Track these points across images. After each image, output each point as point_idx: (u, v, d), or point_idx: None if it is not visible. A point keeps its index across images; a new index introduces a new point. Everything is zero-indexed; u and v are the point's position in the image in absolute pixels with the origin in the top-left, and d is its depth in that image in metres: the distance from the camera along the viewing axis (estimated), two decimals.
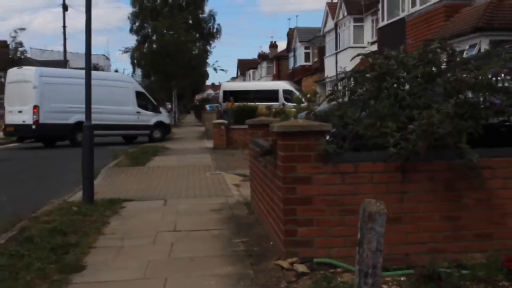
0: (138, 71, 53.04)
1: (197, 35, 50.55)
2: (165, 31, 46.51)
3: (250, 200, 9.84)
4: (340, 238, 5.87)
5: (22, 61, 42.54)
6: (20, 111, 26.81)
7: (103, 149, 25.78)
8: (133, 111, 29.50)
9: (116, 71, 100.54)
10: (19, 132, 27.48)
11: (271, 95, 41.41)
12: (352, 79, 7.11)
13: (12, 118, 27.33)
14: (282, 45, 78.02)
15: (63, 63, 46.82)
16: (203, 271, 6.08)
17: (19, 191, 13.42)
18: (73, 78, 25.30)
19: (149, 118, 30.29)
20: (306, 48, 55.85)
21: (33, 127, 26.62)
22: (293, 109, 28.62)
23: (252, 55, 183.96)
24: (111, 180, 14.69)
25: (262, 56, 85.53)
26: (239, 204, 10.01)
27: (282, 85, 43.45)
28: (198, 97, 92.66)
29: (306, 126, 5.92)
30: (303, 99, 33.80)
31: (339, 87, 7.59)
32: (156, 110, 31.12)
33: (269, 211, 7.04)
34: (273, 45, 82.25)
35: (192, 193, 11.65)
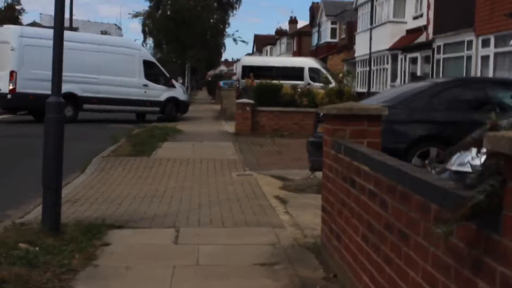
0: (150, 41, 48.94)
1: (215, 3, 46.21)
2: None
3: (322, 240, 5.80)
4: None
5: (20, 22, 38.36)
6: None
7: (103, 127, 21.88)
8: (138, 83, 24.98)
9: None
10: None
11: (296, 73, 37.18)
12: None
13: None
14: (301, 23, 73.75)
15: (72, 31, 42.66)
16: None
17: None
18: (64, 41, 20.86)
19: (159, 92, 25.71)
20: (332, 23, 51.49)
21: (8, 96, 22.36)
22: (321, 90, 24.53)
23: (269, 31, 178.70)
24: (101, 177, 10.66)
25: (280, 32, 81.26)
26: (301, 248, 5.96)
27: (308, 63, 39.15)
28: (210, 72, 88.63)
29: None
30: (332, 79, 29.73)
31: None
32: (168, 84, 26.41)
33: None
34: (293, 21, 77.88)
35: (218, 215, 7.57)
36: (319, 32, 55.26)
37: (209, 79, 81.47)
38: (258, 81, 27.96)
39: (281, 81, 27.63)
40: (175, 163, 12.38)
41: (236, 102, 21.06)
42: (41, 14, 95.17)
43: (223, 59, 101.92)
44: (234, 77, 69.50)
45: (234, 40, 48.63)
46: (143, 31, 47.46)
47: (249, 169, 11.80)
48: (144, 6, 45.40)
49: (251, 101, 20.11)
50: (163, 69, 27.10)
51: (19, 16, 41.94)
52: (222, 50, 59.62)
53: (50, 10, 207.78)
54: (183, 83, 56.84)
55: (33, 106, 22.43)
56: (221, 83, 58.59)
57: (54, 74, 6.30)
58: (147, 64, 25.80)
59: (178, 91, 26.99)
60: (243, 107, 19.65)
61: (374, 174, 4.01)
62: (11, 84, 22.21)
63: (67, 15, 38.33)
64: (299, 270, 5.22)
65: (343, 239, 4.86)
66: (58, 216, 6.20)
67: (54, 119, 6.24)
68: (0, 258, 5.23)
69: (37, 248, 5.57)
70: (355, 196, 4.51)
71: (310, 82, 35.91)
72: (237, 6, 50.64)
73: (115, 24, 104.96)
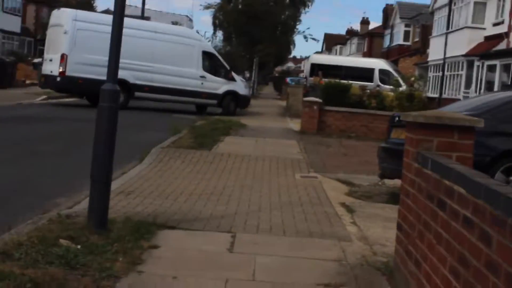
0: (219, 34, 48.67)
1: (287, 0, 45.53)
2: None
3: (395, 262, 5.09)
4: None
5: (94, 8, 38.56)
6: (51, 60, 22.73)
7: (166, 117, 21.62)
8: (195, 74, 24.17)
9: (197, 32, 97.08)
10: (47, 84, 23.27)
11: (365, 73, 36.17)
12: None
13: (45, 67, 23.39)
14: (373, 24, 72.30)
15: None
16: None
17: (11, 176, 9.08)
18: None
19: (218, 85, 24.83)
20: (406, 25, 49.95)
21: (58, 79, 22.18)
22: (390, 93, 23.63)
23: (339, 31, 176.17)
24: (159, 169, 10.18)
25: (351, 32, 79.87)
26: (370, 268, 5.26)
27: (379, 64, 38.04)
28: (278, 68, 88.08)
29: None
30: (403, 83, 28.78)
31: None
32: (228, 77, 25.34)
33: None
34: (365, 21, 76.31)
35: (279, 221, 6.92)
36: (391, 34, 53.83)
37: (276, 75, 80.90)
38: (326, 80, 27.19)
39: (350, 81, 26.85)
40: (237, 159, 11.82)
41: (303, 100, 20.39)
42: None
43: (291, 56, 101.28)
44: (302, 75, 68.79)
45: (305, 37, 48.04)
46: (214, 24, 47.28)
47: (314, 170, 11.13)
48: None
49: (319, 100, 19.39)
50: (223, 62, 26.31)
51: (93, 3, 42.18)
52: (291, 47, 58.99)
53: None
54: (249, 78, 56.50)
55: (82, 90, 22.70)
56: (288, 79, 58.09)
57: (111, 60, 5.77)
58: (207, 55, 25.14)
59: (238, 85, 25.99)
60: (310, 106, 18.95)
61: (473, 199, 3.30)
62: (61, 67, 22.07)
63: (139, 3, 38.12)
64: None
65: (423, 267, 4.15)
66: (105, 212, 5.67)
67: (108, 108, 5.71)
68: (38, 255, 4.74)
69: (79, 246, 5.06)
70: (444, 221, 3.80)
71: (380, 84, 34.88)
72: (309, 4, 49.81)
73: (187, 16, 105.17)
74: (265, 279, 4.79)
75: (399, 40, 51.18)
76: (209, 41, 73.05)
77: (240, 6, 42.71)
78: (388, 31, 55.77)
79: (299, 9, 49.18)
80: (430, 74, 37.73)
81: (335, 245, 5.99)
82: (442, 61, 34.58)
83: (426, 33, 42.40)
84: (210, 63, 25.27)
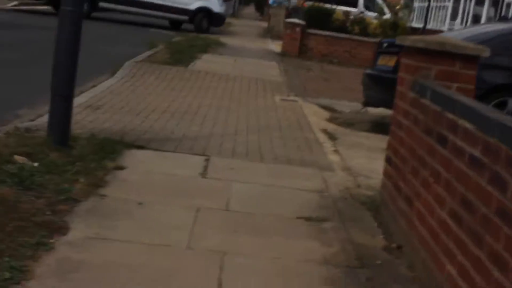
0: None
1: None
2: None
3: (382, 197, 4.71)
4: None
5: None
6: None
7: (140, 31, 20.78)
8: None
9: None
10: None
11: None
12: None
13: None
14: None
15: None
16: None
17: None
18: None
19: (190, 1, 23.53)
20: None
21: None
22: (374, 20, 22.97)
23: None
24: (131, 84, 9.62)
25: None
26: (354, 202, 4.85)
27: None
28: None
29: None
30: (387, 11, 28.13)
31: None
32: None
33: None
34: None
35: (256, 146, 6.47)
36: None
37: None
38: (310, 2, 26.37)
39: (334, 6, 26.03)
40: (214, 77, 11.27)
41: (285, 21, 19.66)
42: None
43: None
44: None
45: None
46: None
47: (294, 94, 10.65)
48: None
49: (302, 22, 18.69)
50: None
51: None
52: None
53: None
54: None
55: None
56: (270, 1, 56.64)
57: None
58: None
59: (212, 2, 24.50)
60: (292, 27, 18.25)
61: (484, 137, 2.85)
62: None
63: None
64: (354, 233, 4.14)
65: (416, 206, 3.75)
66: (67, 128, 5.15)
67: (70, 12, 5.09)
68: None
69: (36, 164, 4.56)
70: (444, 158, 3.36)
71: (364, 10, 34.00)
72: None
73: None
74: (240, 209, 4.37)
75: None
76: None
77: None
78: None
79: None
80: (416, 4, 36.87)
81: (316, 174, 5.57)
82: None
83: None
84: None
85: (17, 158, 4.58)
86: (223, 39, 20.32)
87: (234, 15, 46.32)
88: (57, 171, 4.49)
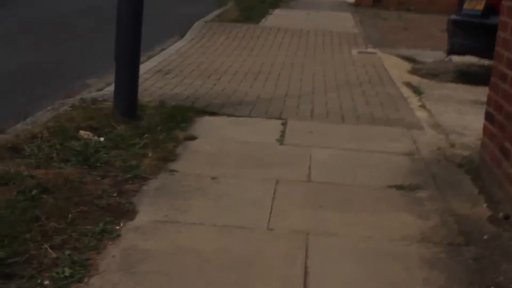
0: None
1: None
2: None
3: (482, 159, 4.19)
4: None
5: None
6: None
7: None
8: None
9: None
10: None
11: None
12: None
13: None
14: None
15: None
16: None
17: (42, 55, 8.32)
18: None
19: None
20: None
21: None
22: None
23: None
24: (201, 44, 9.28)
25: None
26: (449, 165, 4.34)
27: None
28: None
29: None
30: None
31: None
32: None
33: None
34: None
35: (336, 105, 5.99)
36: None
37: None
38: None
39: None
40: (286, 33, 10.78)
41: None
42: None
43: None
44: None
45: None
46: None
47: (372, 46, 10.05)
48: None
49: None
50: None
51: None
52: None
53: None
54: None
55: None
56: None
57: None
58: None
59: None
60: None
61: None
62: None
63: None
64: (453, 202, 3.66)
65: None
66: (134, 98, 4.82)
67: None
68: (52, 151, 3.97)
69: (102, 139, 4.27)
70: None
71: None
72: None
73: None
74: (323, 180, 3.95)
75: None
76: None
77: None
78: None
79: None
80: None
81: (404, 134, 5.08)
82: None
83: None
84: None
85: (82, 133, 4.30)
86: None
87: None
88: (124, 146, 4.19)
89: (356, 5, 16.88)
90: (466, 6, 8.06)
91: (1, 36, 9.39)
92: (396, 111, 5.88)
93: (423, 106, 6.13)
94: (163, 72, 7.19)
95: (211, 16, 12.35)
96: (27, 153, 3.95)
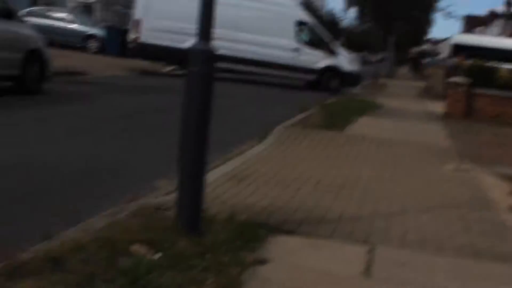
0: (353, 12, 46.53)
1: None
2: None
3: None
4: None
5: None
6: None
7: (293, 92, 20.18)
8: (288, 46, 21.72)
9: (330, 11, 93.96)
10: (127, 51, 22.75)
11: None
12: None
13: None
14: None
15: None
16: None
17: (113, 152, 7.90)
18: None
19: (315, 59, 22.09)
20: None
21: (131, 45, 21.62)
22: None
23: (479, 12, 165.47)
24: (282, 150, 8.71)
25: (494, 15, 74.78)
26: None
27: None
28: (413, 49, 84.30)
29: None
30: None
31: None
32: (328, 50, 22.46)
33: None
34: (509, 2, 71.13)
35: (431, 229, 5.19)
36: None
37: (412, 55, 77.48)
38: (470, 61, 24.58)
39: (498, 64, 24.10)
40: (372, 143, 10.11)
41: (448, 81, 18.10)
42: None
43: (427, 37, 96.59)
44: (439, 57, 64.96)
45: (447, 14, 44.40)
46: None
47: (466, 162, 9.20)
48: None
49: (466, 81, 17.07)
50: (323, 32, 23.39)
51: None
52: (428, 27, 55.85)
53: None
54: (383, 58, 53.79)
55: (156, 57, 21.66)
56: (426, 60, 55.09)
57: (202, 10, 4.27)
58: (303, 25, 22.64)
59: (341, 59, 22.75)
60: (455, 87, 16.67)
61: None
62: (132, 34, 21.46)
63: None
64: None
65: None
66: (198, 211, 4.17)
67: (200, 74, 4.18)
68: (98, 267, 3.36)
69: (158, 256, 3.63)
70: None
71: None
72: None
73: None
74: None
75: None
76: (342, 19, 70.87)
77: None
78: None
79: None
80: None
81: None
82: None
83: None
84: (307, 33, 22.84)
85: (135, 248, 3.68)
86: (380, 100, 19.15)
87: (389, 75, 45.12)
88: (181, 267, 3.53)
89: (446, 117, 16.11)
90: None
91: (75, 131, 9.15)
92: (503, 243, 5.02)
93: None
94: (238, 178, 6.60)
95: (293, 120, 11.86)
96: (68, 267, 3.35)
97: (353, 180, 7.07)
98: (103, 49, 27.82)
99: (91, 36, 29.11)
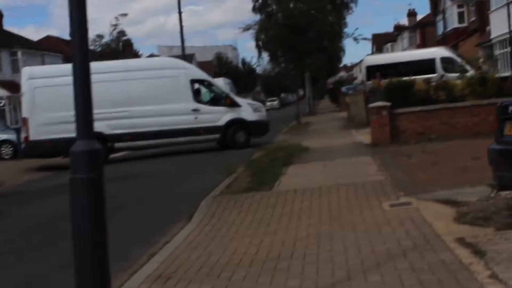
0: (265, 56, 46.78)
1: (329, 5, 43.00)
2: (291, 5, 40.11)
3: None
4: None
5: (126, 53, 37.46)
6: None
7: (219, 155, 19.50)
8: (186, 109, 20.73)
9: (243, 60, 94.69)
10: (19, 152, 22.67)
11: (426, 66, 33.10)
12: None
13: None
14: (420, 16, 69.32)
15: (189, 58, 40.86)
16: None
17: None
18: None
19: (217, 116, 21.07)
20: (459, 7, 46.82)
21: (23, 146, 21.08)
22: (458, 81, 20.90)
23: (387, 29, 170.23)
24: (210, 228, 8.11)
25: (400, 27, 76.95)
26: None
27: (439, 53, 34.94)
28: (331, 80, 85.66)
29: None
30: (469, 67, 25.97)
31: None
32: (230, 104, 21.44)
33: None
34: (412, 13, 73.28)
35: None
36: (444, 19, 50.60)
37: (330, 86, 78.64)
38: (385, 80, 24.66)
39: (412, 77, 24.24)
40: (304, 195, 9.55)
41: (369, 107, 17.89)
42: (159, 45, 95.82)
43: (342, 65, 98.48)
44: (356, 82, 65.90)
45: (355, 39, 44.90)
46: (257, 46, 45.14)
47: (404, 194, 8.75)
48: (256, 19, 42.86)
49: (387, 103, 16.87)
50: (218, 86, 22.93)
51: (122, 49, 41.09)
52: (341, 54, 56.60)
53: (168, 41, 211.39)
54: (304, 95, 54.18)
55: (53, 152, 20.27)
56: (344, 88, 55.70)
57: (79, 107, 3.66)
58: (197, 83, 22.07)
59: (245, 110, 21.62)
60: (378, 112, 16.40)
61: None
62: (23, 133, 20.90)
63: (177, 43, 36.34)
64: None
65: None
66: None
67: (85, 181, 3.55)
68: None
69: None
70: None
71: (444, 73, 32.01)
72: (352, 6, 47.09)
73: (231, 45, 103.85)
74: None
75: (453, 23, 48.07)
76: (256, 65, 71.28)
77: (280, 20, 40.59)
78: (439, 17, 52.67)
79: (342, 13, 46.62)
80: (497, 51, 34.66)
81: None
82: (508, 35, 31.57)
83: (483, 9, 39.35)
84: (205, 91, 22.59)
85: None
86: (305, 142, 18.77)
87: (311, 112, 45.26)
88: None
89: (374, 145, 15.80)
90: (507, 131, 6.84)
91: None
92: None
93: (494, 276, 4.71)
94: (163, 278, 5.91)
95: (220, 188, 11.22)
96: None
97: (289, 247, 6.48)
98: (16, 154, 26.78)
99: (4, 142, 28.02)
